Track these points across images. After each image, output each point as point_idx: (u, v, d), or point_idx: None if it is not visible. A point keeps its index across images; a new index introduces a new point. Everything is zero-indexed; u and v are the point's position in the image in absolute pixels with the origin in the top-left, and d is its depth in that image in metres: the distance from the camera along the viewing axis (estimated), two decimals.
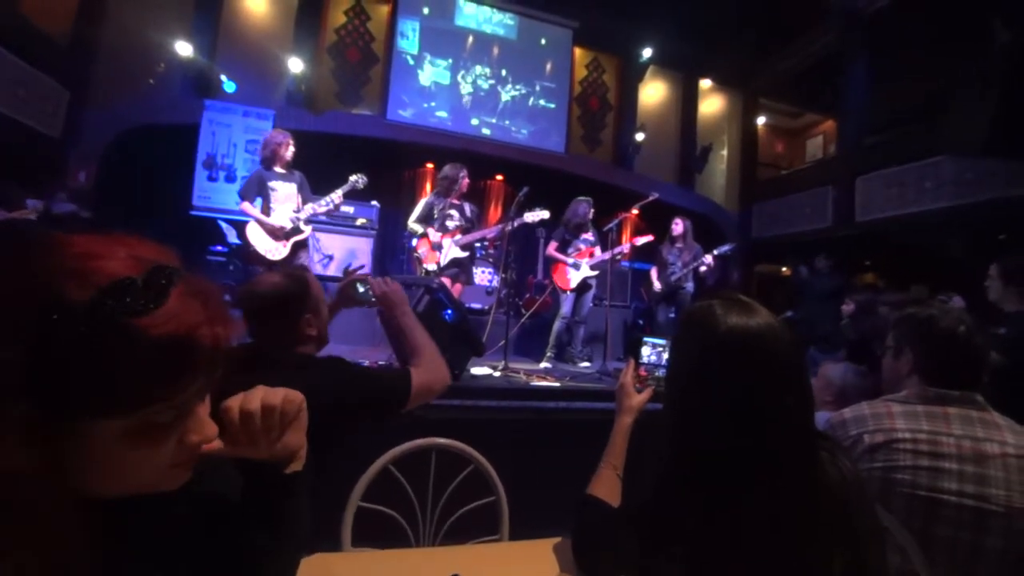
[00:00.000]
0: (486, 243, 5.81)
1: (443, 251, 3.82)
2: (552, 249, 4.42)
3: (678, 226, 4.79)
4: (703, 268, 4.62)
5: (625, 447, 1.01)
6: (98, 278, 0.39)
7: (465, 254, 3.89)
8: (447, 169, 3.95)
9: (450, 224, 3.87)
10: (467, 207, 3.98)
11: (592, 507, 0.92)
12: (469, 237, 3.88)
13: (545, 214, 4.01)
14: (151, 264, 0.41)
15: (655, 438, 0.76)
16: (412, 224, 3.91)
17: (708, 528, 0.66)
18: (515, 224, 3.81)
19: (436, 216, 3.86)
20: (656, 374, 1.06)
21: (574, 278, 4.30)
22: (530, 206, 3.93)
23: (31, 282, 0.38)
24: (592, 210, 4.43)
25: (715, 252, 4.66)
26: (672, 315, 4.82)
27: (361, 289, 1.33)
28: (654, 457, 0.75)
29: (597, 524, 0.88)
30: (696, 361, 0.72)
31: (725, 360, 0.69)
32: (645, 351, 1.06)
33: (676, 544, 0.67)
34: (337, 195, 3.65)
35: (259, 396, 0.54)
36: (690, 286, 4.72)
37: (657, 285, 4.85)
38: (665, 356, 1.06)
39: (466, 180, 3.96)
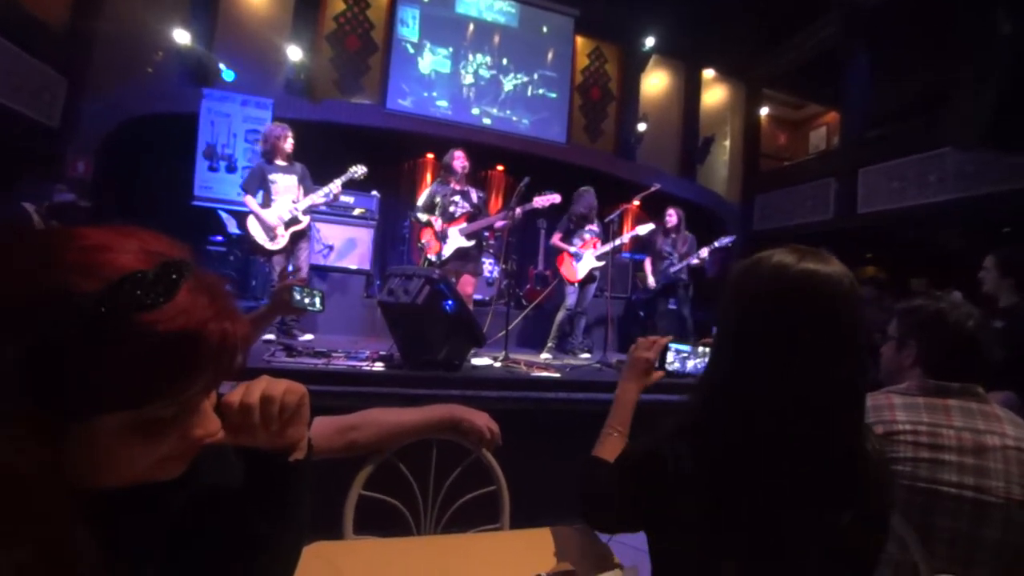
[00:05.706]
0: (486, 234, 5.79)
1: (447, 241, 3.78)
2: (557, 239, 4.40)
3: (672, 217, 4.77)
4: (695, 261, 4.62)
5: (631, 413, 0.99)
6: (107, 271, 0.38)
7: (471, 243, 3.81)
8: (444, 157, 3.93)
9: (454, 211, 3.81)
10: (473, 192, 3.93)
11: (598, 465, 0.91)
12: (475, 225, 3.81)
13: (556, 198, 3.88)
14: (162, 258, 0.41)
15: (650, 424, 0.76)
16: (416, 213, 3.88)
17: (730, 480, 0.65)
18: (520, 212, 3.70)
19: (439, 204, 3.82)
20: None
21: (581, 270, 4.27)
22: (532, 196, 3.85)
23: (38, 275, 0.37)
24: (595, 201, 4.41)
25: (715, 244, 4.64)
26: (672, 306, 4.82)
27: (297, 296, 1.32)
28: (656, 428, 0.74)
29: (604, 479, 0.87)
30: (760, 303, 0.68)
31: (794, 302, 0.65)
32: (669, 357, 1.04)
33: (689, 496, 0.66)
34: (336, 185, 3.65)
35: (260, 388, 0.54)
36: (684, 276, 4.73)
37: (651, 281, 4.84)
38: (689, 364, 1.04)
39: (460, 160, 3.85)
